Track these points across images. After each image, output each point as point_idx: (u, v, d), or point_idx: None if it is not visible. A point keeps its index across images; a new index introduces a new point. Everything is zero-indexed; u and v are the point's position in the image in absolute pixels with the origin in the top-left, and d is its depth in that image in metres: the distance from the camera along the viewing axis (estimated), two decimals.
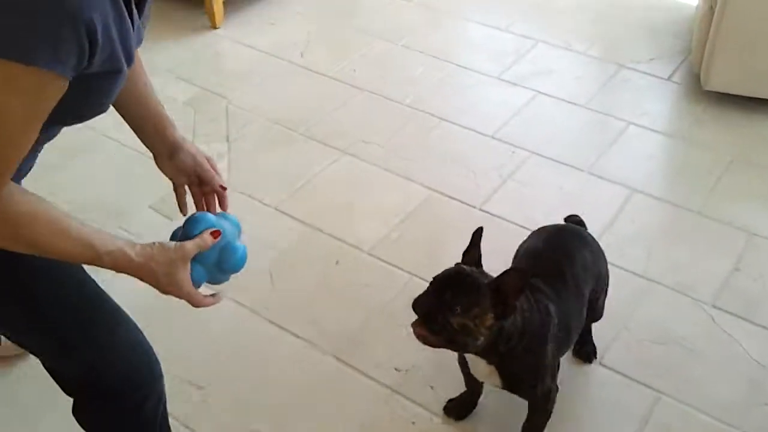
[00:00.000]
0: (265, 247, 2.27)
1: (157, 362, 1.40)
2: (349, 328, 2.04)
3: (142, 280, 1.14)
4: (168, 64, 3.09)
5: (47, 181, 2.48)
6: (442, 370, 1.93)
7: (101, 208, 2.41)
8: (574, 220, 1.92)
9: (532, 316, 1.56)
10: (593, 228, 2.30)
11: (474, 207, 2.41)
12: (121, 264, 1.11)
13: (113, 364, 1.33)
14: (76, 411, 1.42)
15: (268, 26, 3.35)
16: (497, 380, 1.61)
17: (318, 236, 2.32)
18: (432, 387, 1.90)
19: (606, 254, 1.95)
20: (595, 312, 1.87)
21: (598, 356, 1.95)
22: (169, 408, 1.62)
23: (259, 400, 1.88)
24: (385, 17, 3.40)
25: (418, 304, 1.45)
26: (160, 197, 2.44)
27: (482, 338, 1.45)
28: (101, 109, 1.11)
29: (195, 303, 1.22)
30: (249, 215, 2.39)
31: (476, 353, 1.53)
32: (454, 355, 1.91)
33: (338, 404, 1.88)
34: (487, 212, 2.39)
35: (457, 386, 1.88)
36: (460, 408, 1.85)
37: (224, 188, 1.42)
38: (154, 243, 1.15)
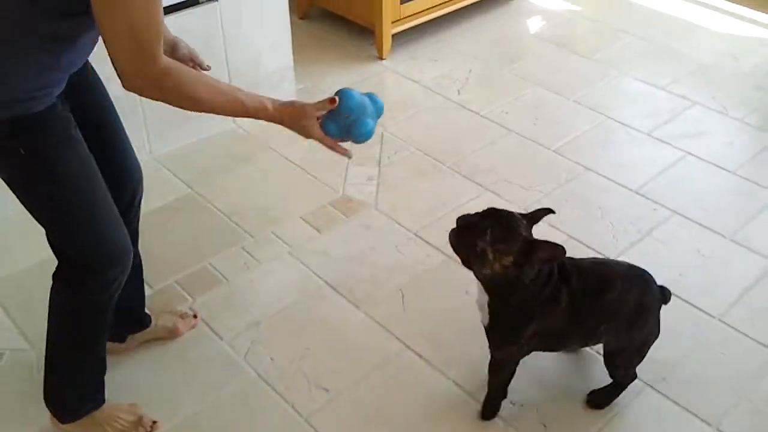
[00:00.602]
0: (401, 269, 2.40)
1: (131, 254, 1.71)
2: (471, 358, 2.13)
3: (283, 125, 1.54)
4: (331, 88, 3.29)
5: (212, 184, 2.75)
6: (556, 409, 1.99)
7: (257, 213, 2.63)
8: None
9: (542, 292, 1.70)
10: (726, 293, 2.31)
11: (609, 257, 2.45)
12: (262, 115, 1.51)
13: (96, 259, 1.66)
14: (56, 277, 1.72)
15: (431, 62, 3.52)
16: (486, 317, 1.78)
17: (451, 265, 2.42)
18: (545, 425, 1.96)
19: (735, 323, 1.95)
20: (608, 366, 1.93)
21: (713, 423, 1.95)
22: (296, 406, 1.77)
23: (380, 409, 2.00)
24: (545, 65, 3.49)
25: (462, 218, 1.67)
26: (311, 210, 2.64)
27: (491, 272, 1.63)
28: None
29: (326, 144, 1.58)
30: (389, 237, 2.54)
31: (482, 283, 1.71)
32: (570, 395, 1.97)
33: (452, 428, 1.97)
34: None
35: (569, 426, 1.94)
36: None
37: (209, 67, 1.80)
38: (290, 101, 1.54)
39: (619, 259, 2.44)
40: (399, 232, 2.56)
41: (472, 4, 3.81)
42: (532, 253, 1.62)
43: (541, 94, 3.28)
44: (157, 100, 1.44)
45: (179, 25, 2.70)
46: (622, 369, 1.94)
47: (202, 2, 2.78)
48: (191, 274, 2.39)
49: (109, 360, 1.98)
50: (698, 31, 3.80)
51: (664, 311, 2.26)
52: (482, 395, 2.00)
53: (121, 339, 2.11)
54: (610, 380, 1.98)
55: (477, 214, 1.66)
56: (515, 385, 2.02)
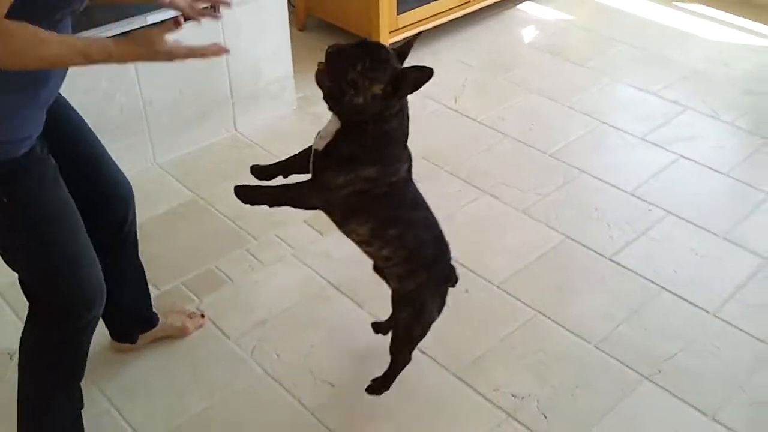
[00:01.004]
0: None
1: (104, 293, 1.70)
2: (471, 352, 2.18)
3: (139, 60, 1.46)
4: None
5: (216, 189, 2.80)
6: (557, 402, 2.04)
7: (260, 217, 2.67)
8: None
9: (395, 133, 1.71)
10: (720, 290, 2.37)
11: (604, 257, 2.51)
12: (110, 59, 1.41)
13: (74, 302, 1.65)
14: (31, 319, 1.70)
15: None
16: (324, 143, 1.68)
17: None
18: (545, 416, 2.01)
19: (730, 318, 2.03)
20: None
21: (709, 413, 2.00)
22: (303, 400, 1.80)
23: (384, 404, 2.04)
24: (540, 73, 3.56)
25: (335, 48, 1.60)
26: (313, 213, 2.68)
27: (361, 100, 1.58)
28: None
29: (195, 55, 1.51)
30: None
31: (343, 113, 1.64)
32: (570, 392, 2.03)
33: (454, 419, 2.01)
34: (618, 263, 2.48)
35: (569, 417, 1.99)
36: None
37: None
38: (128, 36, 1.45)
39: (616, 257, 2.50)
40: None
41: (467, 15, 3.88)
42: (402, 83, 1.62)
43: (536, 101, 3.35)
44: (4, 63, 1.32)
45: (181, 36, 2.77)
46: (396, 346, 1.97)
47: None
48: (197, 276, 2.44)
49: (120, 358, 2.03)
50: (689, 38, 3.88)
51: (659, 306, 2.33)
52: (481, 383, 2.06)
53: (132, 340, 2.16)
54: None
55: (350, 45, 1.62)
56: (515, 378, 2.07)
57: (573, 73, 3.57)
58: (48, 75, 1.47)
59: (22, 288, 1.68)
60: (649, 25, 4.01)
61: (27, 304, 1.64)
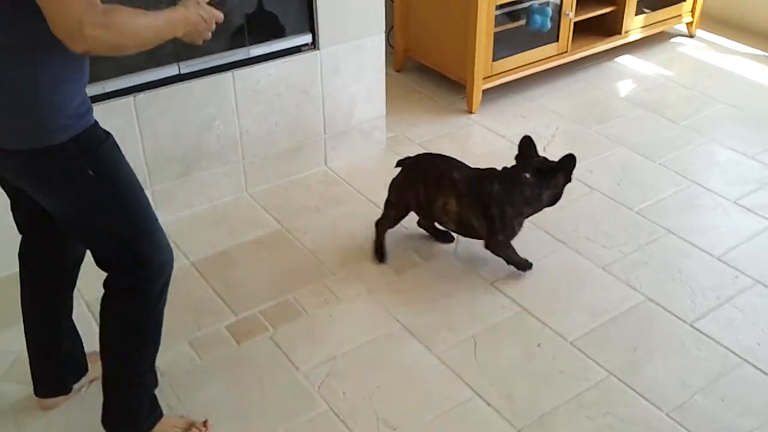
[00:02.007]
0: (476, 317, 2.46)
1: (172, 254, 1.82)
2: (538, 409, 2.16)
3: (185, 21, 1.58)
4: (421, 138, 3.43)
5: (301, 222, 2.87)
6: None
7: (341, 253, 2.73)
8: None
9: None
10: None
11: (685, 322, 2.45)
12: (175, 19, 1.56)
13: (157, 253, 1.77)
14: (109, 292, 1.80)
15: (518, 118, 3.60)
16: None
17: (526, 317, 2.47)
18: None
19: None
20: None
21: None
22: None
23: None
24: (633, 128, 3.52)
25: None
26: (392, 253, 2.73)
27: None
28: None
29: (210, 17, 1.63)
30: (466, 285, 2.60)
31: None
32: None
33: None
34: (698, 330, 2.41)
35: None
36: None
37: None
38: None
39: (697, 324, 2.43)
40: (476, 281, 2.62)
41: (562, 65, 3.88)
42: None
43: (626, 156, 3.31)
44: (108, 47, 1.44)
45: (281, 72, 2.88)
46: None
47: (304, 50, 2.95)
48: (274, 305, 2.50)
49: (191, 381, 2.09)
50: None
51: (738, 379, 2.26)
52: None
53: (68, 390, 2.14)
54: None
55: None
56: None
57: (667, 130, 3.51)
58: None
59: (101, 262, 1.78)
60: (750, 86, 3.91)
61: None
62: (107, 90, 2.59)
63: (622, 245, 2.78)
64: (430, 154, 2.74)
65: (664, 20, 4.22)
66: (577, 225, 2.88)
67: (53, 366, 2.10)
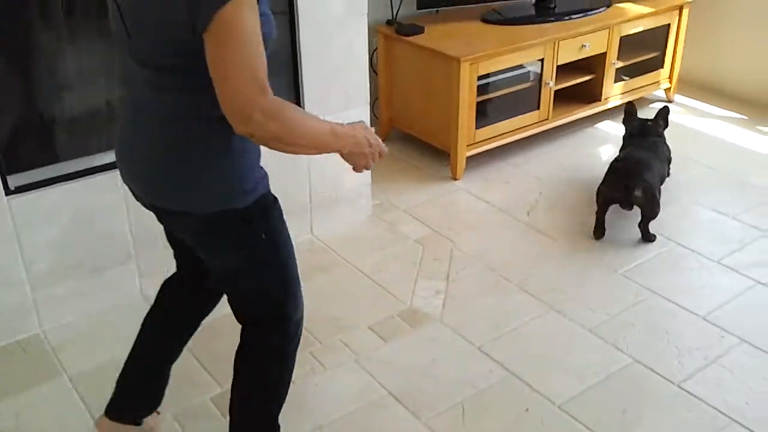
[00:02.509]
0: (464, 383, 2.45)
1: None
2: None
3: (353, 139, 1.65)
4: (407, 205, 3.47)
5: None
6: None
7: (327, 321, 2.73)
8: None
9: None
10: None
11: (673, 383, 2.44)
12: (341, 133, 1.61)
13: (296, 310, 1.88)
14: (250, 346, 1.92)
15: (503, 184, 3.65)
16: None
17: (514, 382, 2.46)
18: None
19: None
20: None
21: None
22: None
23: None
24: None
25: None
26: (378, 320, 2.73)
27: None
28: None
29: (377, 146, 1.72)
30: (454, 350, 2.60)
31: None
32: None
33: None
34: (686, 390, 2.41)
35: None
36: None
37: None
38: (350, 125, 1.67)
39: (685, 385, 2.43)
40: (463, 346, 2.62)
41: (544, 132, 3.95)
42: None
43: (610, 218, 3.34)
44: (271, 137, 1.48)
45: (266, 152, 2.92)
46: None
47: None
48: None
49: None
50: None
51: None
52: None
53: (137, 422, 2.17)
54: None
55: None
56: None
57: None
58: None
59: (247, 317, 1.89)
60: (728, 148, 3.99)
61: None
62: (95, 164, 2.63)
63: (609, 307, 2.79)
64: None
65: (643, 87, 4.32)
66: (563, 287, 2.90)
67: (141, 393, 2.14)
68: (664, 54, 4.35)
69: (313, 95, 2.99)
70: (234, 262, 1.76)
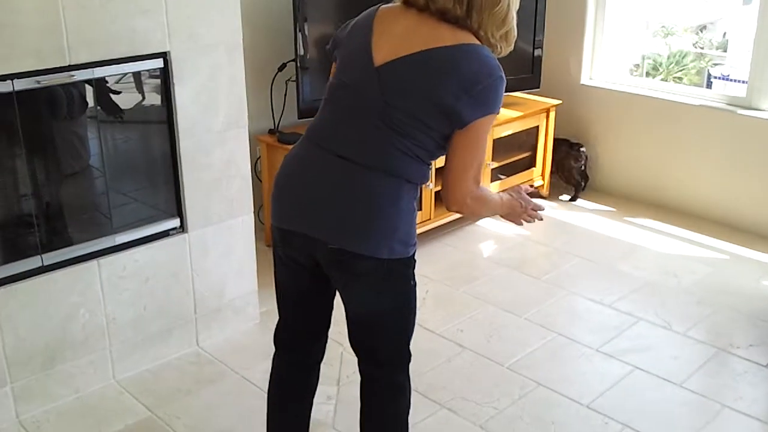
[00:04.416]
0: None
1: None
2: None
3: (510, 208, 2.12)
4: None
5: (173, 407, 2.79)
6: None
7: None
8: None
9: None
10: None
11: None
12: (506, 204, 2.10)
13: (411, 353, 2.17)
14: (384, 387, 2.18)
15: None
16: None
17: None
18: None
19: None
20: None
21: None
22: None
23: None
24: (498, 286, 3.69)
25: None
26: None
27: None
28: None
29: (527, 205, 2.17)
30: None
31: None
32: None
33: None
34: None
35: None
36: None
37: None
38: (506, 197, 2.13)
39: None
40: None
41: (428, 231, 4.07)
42: None
43: (494, 313, 3.44)
44: (469, 213, 1.98)
45: (149, 257, 2.90)
46: None
47: (172, 234, 2.98)
48: None
49: None
50: (640, 251, 4.06)
51: None
52: None
53: None
54: None
55: None
56: None
57: (530, 286, 3.69)
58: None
59: (382, 357, 2.14)
60: (601, 239, 4.21)
61: None
62: None
63: (496, 401, 2.84)
64: None
65: (518, 185, 4.51)
66: (451, 385, 2.93)
67: None
68: (535, 154, 4.60)
69: (195, 205, 3.00)
70: (383, 304, 2.01)
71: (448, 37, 1.82)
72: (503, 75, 1.84)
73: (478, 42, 1.85)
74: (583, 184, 4.73)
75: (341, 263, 1.94)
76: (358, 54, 1.90)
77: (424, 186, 3.91)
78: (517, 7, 1.91)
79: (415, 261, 2.01)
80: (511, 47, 1.94)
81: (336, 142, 1.92)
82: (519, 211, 2.13)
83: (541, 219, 2.21)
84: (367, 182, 1.88)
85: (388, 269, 1.94)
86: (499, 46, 1.90)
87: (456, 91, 1.79)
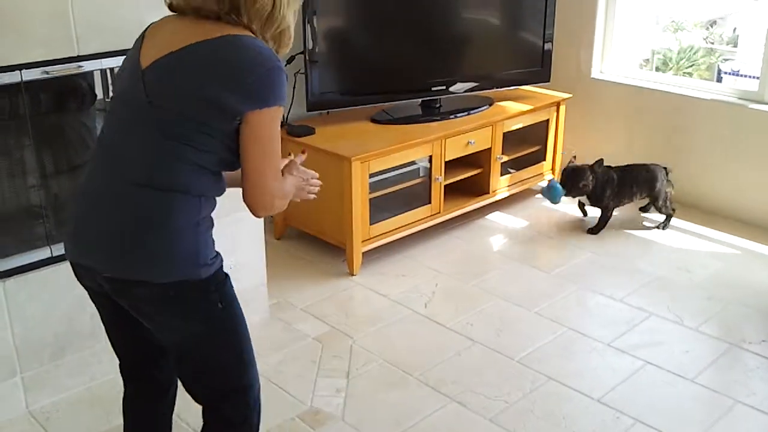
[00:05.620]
0: None
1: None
2: None
3: (293, 187, 1.95)
4: (304, 303, 3.45)
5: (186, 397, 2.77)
6: None
7: None
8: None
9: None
10: None
11: None
12: (291, 187, 1.93)
13: (256, 380, 1.94)
14: (215, 422, 1.94)
15: (399, 277, 3.69)
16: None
17: None
18: None
19: None
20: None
21: None
22: None
23: None
24: (508, 279, 3.67)
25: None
26: (278, 423, 2.67)
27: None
28: None
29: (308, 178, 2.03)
30: None
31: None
32: None
33: None
34: None
35: None
36: None
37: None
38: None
39: None
40: None
41: (437, 224, 4.05)
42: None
43: (504, 307, 3.42)
44: (280, 210, 1.83)
45: None
46: None
47: None
48: None
49: None
50: (652, 246, 4.03)
51: None
52: None
53: None
54: None
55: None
56: None
57: (540, 280, 3.67)
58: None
59: (206, 394, 1.92)
60: (612, 234, 4.18)
61: None
62: None
63: (506, 395, 2.82)
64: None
65: (528, 179, 4.52)
66: (462, 379, 2.92)
67: None
68: (545, 147, 4.57)
69: None
70: (191, 333, 1.82)
71: (214, 31, 1.72)
72: (280, 65, 1.71)
73: (250, 34, 1.74)
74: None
75: (121, 291, 1.80)
76: (128, 64, 1.81)
77: (433, 180, 3.90)
78: (295, 9, 1.80)
79: (221, 282, 1.82)
80: (287, 49, 1.83)
81: (105, 159, 1.80)
82: (303, 186, 2.01)
83: (320, 184, 2.06)
84: (131, 201, 1.72)
85: (175, 294, 1.76)
86: (272, 47, 1.79)
87: (224, 82, 1.67)
